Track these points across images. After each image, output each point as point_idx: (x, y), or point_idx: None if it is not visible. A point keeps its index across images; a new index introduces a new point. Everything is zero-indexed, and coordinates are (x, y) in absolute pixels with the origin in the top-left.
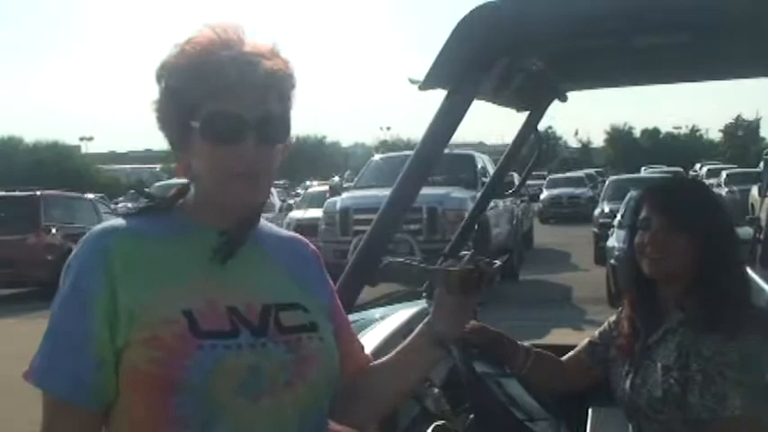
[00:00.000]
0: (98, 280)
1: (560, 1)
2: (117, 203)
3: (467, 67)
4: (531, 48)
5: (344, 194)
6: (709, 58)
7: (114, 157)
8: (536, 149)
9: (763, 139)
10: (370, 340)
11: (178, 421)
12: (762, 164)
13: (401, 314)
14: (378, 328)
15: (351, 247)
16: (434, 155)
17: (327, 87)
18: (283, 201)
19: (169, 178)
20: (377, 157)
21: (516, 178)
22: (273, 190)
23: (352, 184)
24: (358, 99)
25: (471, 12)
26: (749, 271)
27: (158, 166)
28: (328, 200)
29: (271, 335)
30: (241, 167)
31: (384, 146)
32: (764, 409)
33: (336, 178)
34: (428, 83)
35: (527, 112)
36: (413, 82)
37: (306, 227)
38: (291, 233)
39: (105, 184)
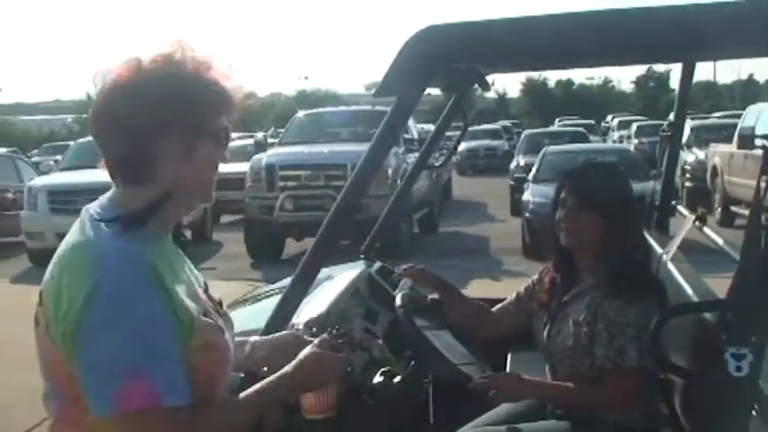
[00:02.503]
0: (158, 293)
1: (488, 27)
2: (31, 157)
3: (414, 77)
4: (468, 58)
5: (270, 151)
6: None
7: (23, 109)
8: (462, 130)
9: (673, 90)
10: (322, 298)
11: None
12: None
13: (346, 275)
14: (327, 288)
15: (277, 204)
16: (389, 146)
17: (240, 34)
18: None
19: (80, 130)
20: (300, 113)
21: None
22: None
23: (276, 140)
24: (272, 47)
25: (418, 33)
26: (644, 233)
27: (70, 117)
28: (254, 156)
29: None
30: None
31: (302, 96)
32: (642, 356)
33: (260, 134)
34: (382, 91)
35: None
36: (368, 88)
37: (230, 180)
38: None
39: (17, 138)
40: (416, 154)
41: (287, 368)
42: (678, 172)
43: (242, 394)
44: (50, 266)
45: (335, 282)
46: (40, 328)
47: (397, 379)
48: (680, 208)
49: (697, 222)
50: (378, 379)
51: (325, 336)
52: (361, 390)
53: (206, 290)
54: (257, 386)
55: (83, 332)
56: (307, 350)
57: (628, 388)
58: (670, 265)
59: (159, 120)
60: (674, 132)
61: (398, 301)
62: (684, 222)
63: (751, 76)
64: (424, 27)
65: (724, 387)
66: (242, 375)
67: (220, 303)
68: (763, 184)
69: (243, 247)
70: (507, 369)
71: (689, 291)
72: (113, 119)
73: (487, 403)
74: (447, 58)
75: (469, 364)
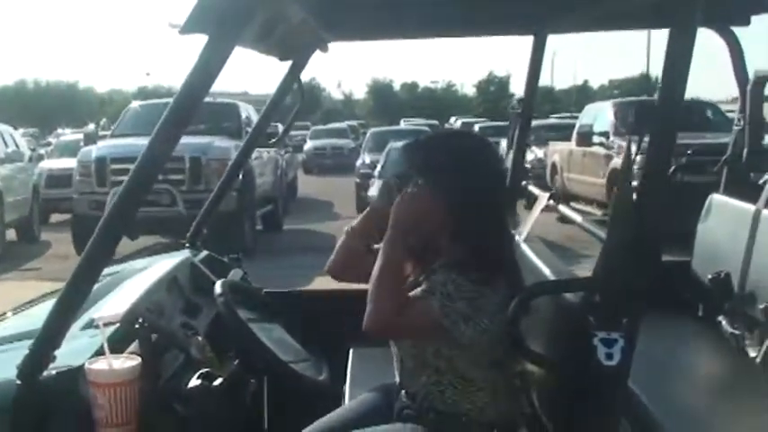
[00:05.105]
0: None
1: None
2: None
3: (228, 14)
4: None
5: (101, 143)
6: (468, 17)
7: None
8: (298, 99)
9: (513, 94)
10: (131, 290)
11: None
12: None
13: (164, 263)
14: (140, 278)
15: (108, 199)
16: (194, 102)
17: (80, 28)
18: (33, 150)
19: None
20: (135, 104)
21: (280, 128)
22: (22, 139)
23: (108, 132)
24: (115, 41)
25: None
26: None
27: None
28: (83, 149)
29: None
30: None
31: (144, 93)
32: (453, 324)
33: (91, 126)
34: (188, 27)
35: (290, 62)
36: (173, 26)
37: (59, 177)
38: None
39: None
40: (259, 148)
41: None
42: None
43: None
44: None
45: (150, 271)
46: None
47: (218, 382)
48: (531, 188)
49: (551, 201)
50: (194, 383)
51: None
52: (172, 396)
53: None
54: None
55: None
56: None
57: (403, 317)
58: (524, 247)
59: None
60: (524, 109)
61: (218, 289)
62: (538, 201)
63: (586, 82)
64: None
65: (591, 379)
66: None
67: None
68: (635, 151)
69: (72, 247)
70: (349, 366)
71: (547, 271)
72: None
73: None
74: None
75: (303, 360)
